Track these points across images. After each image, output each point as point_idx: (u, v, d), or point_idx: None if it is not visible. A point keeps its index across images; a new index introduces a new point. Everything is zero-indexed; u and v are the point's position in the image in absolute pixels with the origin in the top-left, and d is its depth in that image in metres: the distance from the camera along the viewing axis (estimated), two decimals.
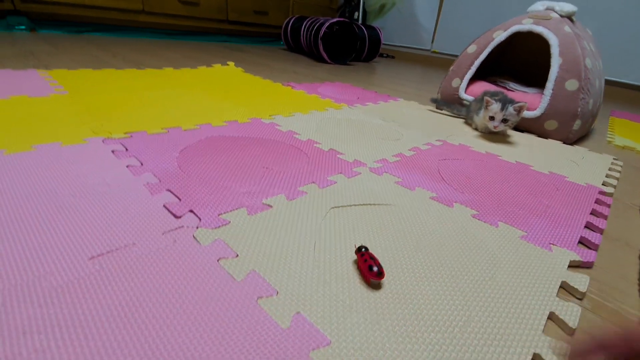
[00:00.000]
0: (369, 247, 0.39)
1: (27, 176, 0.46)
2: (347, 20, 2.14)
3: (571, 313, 0.33)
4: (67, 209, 0.40)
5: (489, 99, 0.83)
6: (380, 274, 0.33)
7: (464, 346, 0.28)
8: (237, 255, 0.35)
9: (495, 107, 0.81)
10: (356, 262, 0.36)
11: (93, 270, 0.31)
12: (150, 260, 0.33)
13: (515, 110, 0.80)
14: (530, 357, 0.28)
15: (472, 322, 0.31)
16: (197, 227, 0.39)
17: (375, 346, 0.27)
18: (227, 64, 1.55)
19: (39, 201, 0.40)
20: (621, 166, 0.84)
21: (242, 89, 1.12)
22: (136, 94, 0.90)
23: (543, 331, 0.31)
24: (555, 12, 1.03)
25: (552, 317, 0.33)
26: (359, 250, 0.36)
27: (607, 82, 2.18)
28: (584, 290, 0.37)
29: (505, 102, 0.80)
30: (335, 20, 2.06)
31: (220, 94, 1.01)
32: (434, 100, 1.13)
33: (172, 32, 2.52)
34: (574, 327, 0.32)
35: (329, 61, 2.13)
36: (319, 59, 2.21)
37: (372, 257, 0.35)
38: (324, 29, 2.00)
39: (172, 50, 1.86)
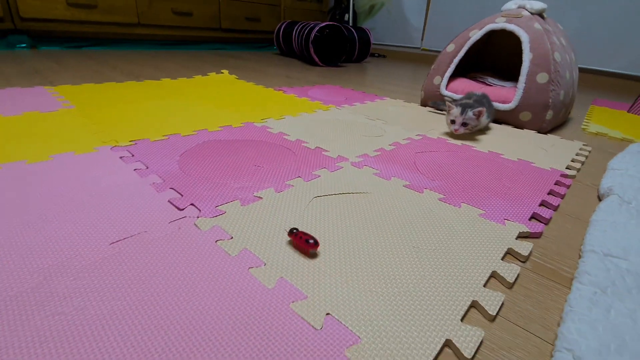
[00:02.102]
0: (299, 228, 0.43)
1: (49, 182, 0.53)
2: (336, 23, 2.21)
3: (510, 271, 0.40)
4: (86, 206, 0.47)
5: (450, 103, 0.88)
6: (316, 243, 0.40)
7: (416, 296, 0.35)
8: (232, 238, 0.42)
9: (455, 111, 0.86)
10: (291, 243, 0.42)
11: (114, 252, 0.38)
12: (160, 243, 0.40)
13: (474, 114, 0.84)
14: (469, 303, 0.35)
15: (424, 279, 0.37)
16: (198, 217, 0.46)
17: (343, 298, 0.34)
18: (222, 72, 1.63)
19: (62, 201, 0.47)
20: (589, 151, 0.91)
21: (236, 95, 1.19)
22: (137, 104, 0.97)
23: (485, 285, 0.38)
24: (527, 10, 1.10)
25: (494, 275, 0.40)
26: (291, 232, 0.41)
27: (592, 71, 2.25)
28: (527, 254, 0.44)
29: (465, 107, 0.85)
30: (325, 24, 2.13)
31: (216, 101, 1.08)
32: (433, 104, 1.19)
33: (168, 42, 2.60)
34: (511, 282, 0.39)
35: (320, 64, 2.21)
36: (311, 62, 2.28)
37: (305, 233, 0.41)
38: (314, 32, 2.07)
39: (169, 61, 1.94)
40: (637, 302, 0.33)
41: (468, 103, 0.87)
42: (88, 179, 0.54)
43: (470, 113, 0.84)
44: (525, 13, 1.09)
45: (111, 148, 0.67)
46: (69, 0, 1.97)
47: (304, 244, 0.40)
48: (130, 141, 0.71)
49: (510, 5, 1.15)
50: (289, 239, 0.43)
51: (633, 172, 0.68)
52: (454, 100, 1.05)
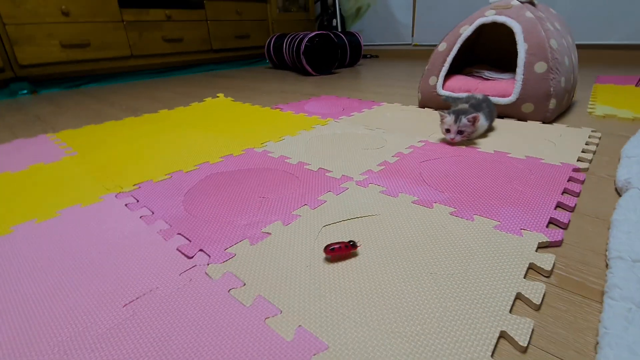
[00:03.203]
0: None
1: (58, 241, 0.52)
2: (325, 31, 2.21)
3: (535, 291, 0.38)
4: (96, 265, 0.46)
5: (441, 113, 0.84)
6: (354, 244, 0.45)
7: (441, 334, 0.34)
8: (245, 284, 0.41)
9: (449, 119, 0.82)
10: (329, 260, 0.45)
11: (128, 315, 0.38)
12: (173, 300, 0.39)
13: (469, 121, 0.80)
14: (498, 335, 0.33)
15: (447, 312, 0.36)
16: (208, 264, 0.45)
17: (366, 345, 0.33)
18: (217, 96, 1.63)
19: (73, 263, 0.47)
20: (599, 137, 0.88)
21: (233, 120, 1.19)
22: (137, 143, 0.98)
23: (510, 311, 0.36)
24: None
25: (519, 296, 0.38)
26: (327, 247, 0.45)
27: (592, 46, 2.20)
28: (550, 269, 0.42)
29: (458, 114, 0.81)
30: (314, 33, 2.13)
31: (214, 130, 1.08)
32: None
33: (161, 69, 2.63)
34: (538, 303, 0.37)
35: (314, 73, 2.21)
36: (304, 72, 2.28)
37: (338, 242, 0.45)
38: (304, 43, 2.08)
39: (164, 89, 1.95)
40: None
41: (462, 109, 0.84)
42: (96, 233, 0.54)
43: (464, 120, 0.80)
44: (515, 3, 1.07)
45: (116, 195, 0.67)
46: (63, 42, 2.01)
47: (344, 249, 0.44)
48: (134, 185, 0.71)
49: None
50: (327, 256, 0.45)
51: None
52: (455, 99, 1.03)
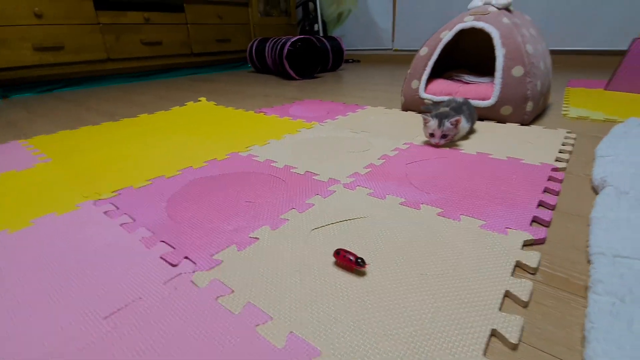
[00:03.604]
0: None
1: (32, 252, 0.50)
2: (307, 36, 2.22)
3: (523, 288, 0.39)
4: (75, 275, 0.44)
5: (425, 117, 0.85)
6: (362, 262, 0.42)
7: (434, 334, 0.33)
8: (233, 291, 0.40)
9: (432, 124, 0.83)
10: (336, 264, 0.44)
11: (109, 328, 0.36)
12: (157, 311, 0.38)
13: (452, 124, 0.82)
14: (489, 333, 0.33)
15: (439, 312, 0.36)
16: (194, 272, 0.44)
17: (359, 349, 0.32)
18: (199, 100, 1.60)
19: (49, 275, 0.45)
20: (574, 138, 0.91)
21: (216, 123, 1.17)
22: (116, 148, 0.95)
23: (500, 309, 0.37)
24: (493, 5, 1.11)
25: (507, 294, 0.39)
26: (337, 252, 0.44)
27: (564, 51, 2.30)
28: (536, 266, 0.43)
29: (441, 117, 0.82)
30: (296, 38, 2.13)
31: (197, 134, 1.06)
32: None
33: (140, 73, 2.57)
34: (526, 300, 0.37)
35: (297, 78, 2.20)
36: (287, 76, 2.28)
37: (351, 254, 0.43)
38: (287, 47, 2.07)
39: (143, 93, 1.91)
40: None
41: (444, 113, 0.85)
42: (73, 243, 0.51)
43: (447, 124, 0.82)
44: (492, 9, 1.10)
45: (94, 203, 0.64)
46: (35, 45, 1.94)
47: (351, 264, 0.42)
48: (113, 192, 0.68)
49: (476, 3, 1.16)
50: (334, 259, 0.45)
51: (623, 158, 0.68)
52: (435, 103, 1.05)
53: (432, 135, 0.85)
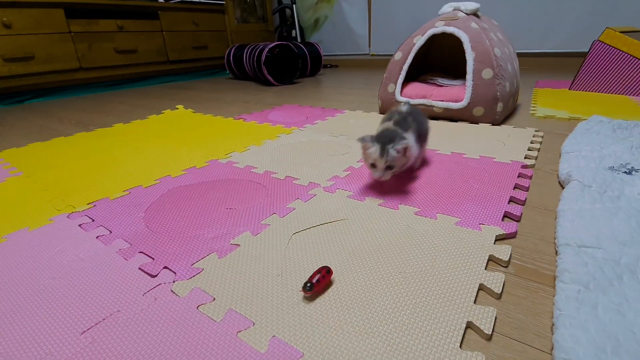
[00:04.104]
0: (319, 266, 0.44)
1: (4, 268, 0.48)
2: (285, 42, 2.23)
3: (496, 281, 0.41)
4: (50, 291, 0.43)
5: (363, 140, 0.60)
6: (329, 271, 0.41)
7: (413, 329, 0.34)
8: (214, 299, 0.40)
9: (373, 151, 0.59)
10: (309, 298, 0.40)
11: (87, 342, 0.35)
12: (137, 322, 0.37)
13: (398, 152, 0.59)
14: (465, 325, 0.35)
15: (417, 308, 0.37)
16: (174, 281, 0.43)
17: (341, 348, 0.33)
18: (177, 108, 1.58)
19: (22, 290, 0.43)
20: (542, 136, 0.96)
21: (195, 131, 1.16)
22: (90, 159, 0.92)
23: (475, 301, 0.38)
24: (462, 11, 1.16)
25: (482, 287, 0.40)
26: (305, 288, 0.39)
27: (530, 54, 2.41)
28: (507, 259, 0.45)
29: (385, 142, 0.59)
30: (274, 44, 2.14)
31: (175, 142, 1.04)
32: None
33: (115, 82, 2.51)
34: (498, 292, 0.39)
35: (275, 83, 2.21)
36: (265, 82, 2.28)
37: (317, 279, 0.40)
38: (265, 53, 2.08)
39: (118, 102, 1.86)
40: (620, 294, 0.35)
41: (387, 133, 0.62)
42: (47, 258, 0.50)
43: (392, 151, 0.58)
44: (461, 14, 1.15)
45: (68, 216, 0.62)
46: (4, 55, 1.86)
47: (325, 284, 0.41)
48: (88, 204, 0.66)
49: (446, 9, 1.21)
50: (307, 296, 0.40)
51: (586, 153, 0.72)
52: (394, 116, 0.70)
53: (373, 166, 0.61)
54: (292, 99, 1.70)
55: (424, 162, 0.79)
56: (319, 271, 0.41)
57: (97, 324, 0.37)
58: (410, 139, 0.65)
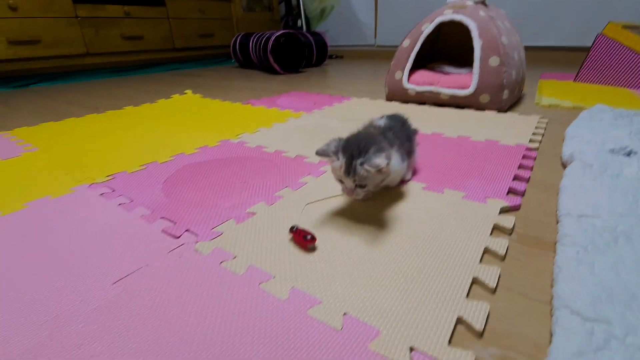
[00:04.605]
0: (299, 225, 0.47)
1: (30, 232, 0.50)
2: (291, 31, 2.24)
3: (500, 245, 0.43)
4: (77, 251, 0.45)
5: (327, 156, 0.48)
6: (313, 238, 0.44)
7: (423, 283, 0.37)
8: (235, 257, 0.43)
9: (337, 165, 0.47)
10: (292, 240, 0.46)
11: (119, 291, 0.38)
12: (164, 274, 0.40)
13: (368, 171, 0.44)
14: (470, 281, 0.37)
15: (426, 266, 0.40)
16: (196, 242, 0.46)
17: (356, 296, 0.35)
18: (185, 93, 1.60)
19: (51, 251, 0.46)
20: (546, 123, 0.98)
21: (205, 114, 1.18)
22: (104, 138, 0.95)
23: (480, 261, 0.41)
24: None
25: (487, 250, 0.43)
26: (291, 230, 0.45)
27: (536, 47, 2.40)
28: (511, 227, 0.47)
29: (352, 156, 0.45)
30: (280, 32, 2.15)
31: (186, 123, 1.07)
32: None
33: (121, 68, 2.52)
34: (503, 255, 0.42)
35: (281, 72, 2.22)
36: (272, 71, 2.29)
37: (303, 230, 0.45)
38: (271, 42, 2.09)
39: (126, 87, 1.88)
40: (615, 255, 0.37)
41: (359, 141, 0.47)
42: (72, 221, 0.53)
43: (360, 170, 0.45)
44: (469, 3, 1.16)
45: (89, 186, 0.65)
46: (10, 38, 1.87)
47: (302, 240, 0.43)
48: (107, 176, 0.69)
49: None
50: (290, 236, 0.46)
51: (589, 138, 0.74)
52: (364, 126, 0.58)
53: (342, 182, 0.49)
54: (299, 87, 1.71)
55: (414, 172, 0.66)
56: (309, 233, 0.44)
57: (127, 275, 0.40)
58: (394, 155, 0.51)
